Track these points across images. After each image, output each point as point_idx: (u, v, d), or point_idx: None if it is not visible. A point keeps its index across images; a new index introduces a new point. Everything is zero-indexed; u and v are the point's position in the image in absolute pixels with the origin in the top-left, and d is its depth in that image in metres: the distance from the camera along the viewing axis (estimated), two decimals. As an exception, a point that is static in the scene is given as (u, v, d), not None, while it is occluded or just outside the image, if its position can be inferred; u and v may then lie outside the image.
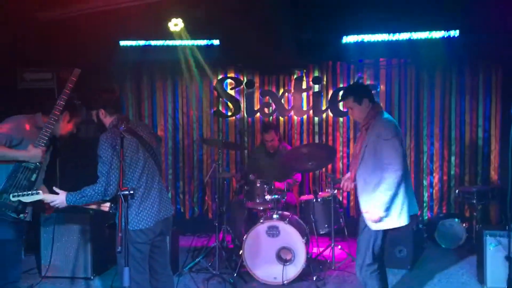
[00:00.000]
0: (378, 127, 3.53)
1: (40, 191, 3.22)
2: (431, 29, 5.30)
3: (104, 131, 3.23)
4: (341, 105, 6.48)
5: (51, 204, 3.19)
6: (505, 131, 6.08)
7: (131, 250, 3.10)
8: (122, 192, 2.65)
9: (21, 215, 3.46)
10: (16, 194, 3.21)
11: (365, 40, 5.57)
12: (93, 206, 3.27)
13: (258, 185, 5.07)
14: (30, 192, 3.22)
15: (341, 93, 6.36)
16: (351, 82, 6.42)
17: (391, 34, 5.42)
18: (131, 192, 2.68)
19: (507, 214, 3.40)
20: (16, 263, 3.69)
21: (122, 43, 5.97)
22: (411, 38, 5.41)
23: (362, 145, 3.59)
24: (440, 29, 5.28)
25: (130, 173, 3.18)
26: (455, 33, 5.26)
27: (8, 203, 3.38)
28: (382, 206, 3.42)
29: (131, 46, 6.02)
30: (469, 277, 4.74)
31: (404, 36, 5.42)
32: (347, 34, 5.57)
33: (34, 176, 3.46)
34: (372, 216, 3.46)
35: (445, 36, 5.30)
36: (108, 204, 3.24)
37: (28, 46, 5.42)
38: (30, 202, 3.33)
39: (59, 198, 3.16)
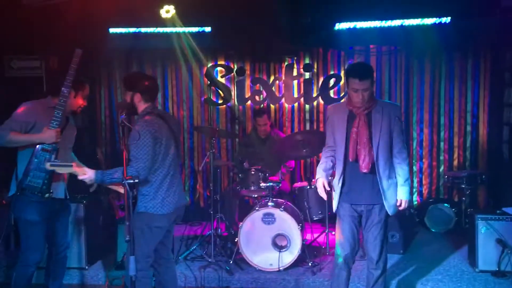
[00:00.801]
0: (390, 108, 3.55)
1: (73, 164, 3.27)
2: (423, 16, 5.31)
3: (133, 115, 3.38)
4: (332, 92, 6.50)
5: (80, 177, 3.22)
6: (493, 116, 6.19)
7: (147, 233, 3.22)
8: (127, 181, 2.64)
9: (46, 195, 3.50)
10: (53, 163, 3.27)
11: (358, 26, 5.55)
12: (113, 187, 3.37)
13: (252, 173, 5.08)
14: (65, 163, 3.28)
15: (332, 80, 6.48)
16: (342, 69, 6.44)
17: (384, 21, 5.42)
18: (136, 180, 2.68)
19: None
20: (38, 246, 3.65)
21: (112, 30, 5.84)
22: (403, 24, 5.41)
23: (373, 131, 3.47)
24: (432, 16, 5.29)
25: (163, 160, 3.27)
26: (446, 19, 5.28)
27: (33, 185, 3.44)
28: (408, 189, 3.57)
29: (121, 33, 5.89)
30: (460, 260, 4.84)
31: (396, 22, 5.42)
32: (340, 21, 5.55)
33: (53, 157, 3.48)
34: (406, 204, 3.54)
35: (437, 23, 5.31)
36: None
37: (15, 33, 5.27)
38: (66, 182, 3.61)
39: (89, 174, 3.19)
